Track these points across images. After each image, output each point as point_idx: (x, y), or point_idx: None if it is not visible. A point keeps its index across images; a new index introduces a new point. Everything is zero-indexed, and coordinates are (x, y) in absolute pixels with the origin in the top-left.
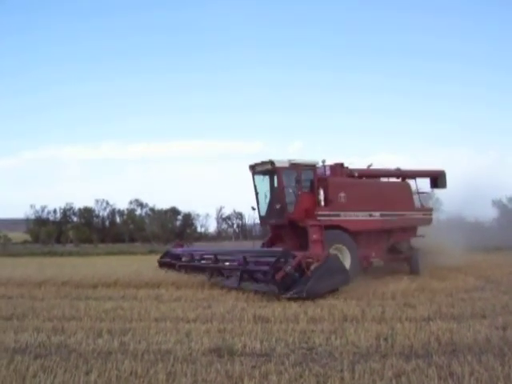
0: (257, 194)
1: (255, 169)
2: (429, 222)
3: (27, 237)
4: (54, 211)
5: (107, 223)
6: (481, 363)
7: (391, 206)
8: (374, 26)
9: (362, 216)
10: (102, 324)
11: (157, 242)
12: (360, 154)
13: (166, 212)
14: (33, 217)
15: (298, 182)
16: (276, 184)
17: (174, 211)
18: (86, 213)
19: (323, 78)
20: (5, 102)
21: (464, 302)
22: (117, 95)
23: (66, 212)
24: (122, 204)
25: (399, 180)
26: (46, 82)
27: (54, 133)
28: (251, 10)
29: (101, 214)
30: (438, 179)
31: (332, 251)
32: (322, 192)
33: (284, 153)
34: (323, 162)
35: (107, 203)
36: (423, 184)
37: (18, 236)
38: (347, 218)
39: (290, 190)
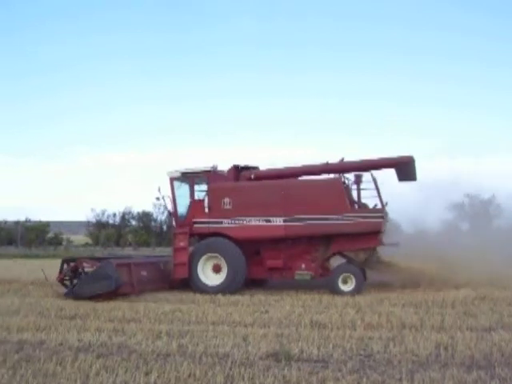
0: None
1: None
2: (374, 226)
3: (88, 239)
4: (114, 215)
5: (164, 227)
6: None
7: (304, 210)
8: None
9: (254, 222)
10: (160, 326)
11: None
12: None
13: None
14: (93, 220)
15: (190, 190)
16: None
17: None
18: (144, 217)
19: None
20: (69, 110)
21: None
22: (173, 101)
23: (125, 216)
24: None
25: (329, 176)
26: (104, 90)
27: (115, 138)
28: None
29: (158, 218)
30: (402, 169)
31: (204, 260)
32: (206, 199)
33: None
34: (213, 167)
35: (165, 207)
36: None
37: (80, 238)
38: (230, 226)
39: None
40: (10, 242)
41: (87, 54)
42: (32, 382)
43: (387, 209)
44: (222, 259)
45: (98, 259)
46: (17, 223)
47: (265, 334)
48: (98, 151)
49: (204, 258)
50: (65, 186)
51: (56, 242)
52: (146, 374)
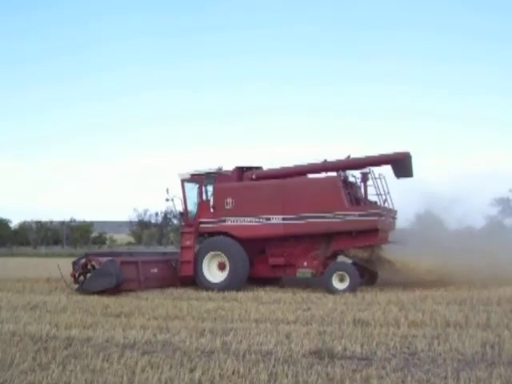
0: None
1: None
2: (371, 224)
3: (131, 238)
4: (156, 214)
5: None
6: None
7: (302, 208)
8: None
9: (254, 221)
10: (204, 324)
11: None
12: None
13: None
14: (136, 219)
15: (199, 191)
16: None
17: None
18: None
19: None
20: (114, 115)
21: None
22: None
23: (167, 215)
24: None
25: (327, 175)
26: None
27: (156, 139)
28: None
29: None
30: (399, 165)
31: (209, 258)
32: (211, 199)
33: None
34: (219, 168)
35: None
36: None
37: (123, 238)
38: (233, 224)
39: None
40: (56, 241)
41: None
42: (80, 377)
43: (390, 206)
44: (225, 257)
45: (110, 254)
46: (62, 223)
47: (307, 331)
48: (139, 152)
49: (209, 256)
50: (108, 187)
51: (100, 241)
52: (191, 370)
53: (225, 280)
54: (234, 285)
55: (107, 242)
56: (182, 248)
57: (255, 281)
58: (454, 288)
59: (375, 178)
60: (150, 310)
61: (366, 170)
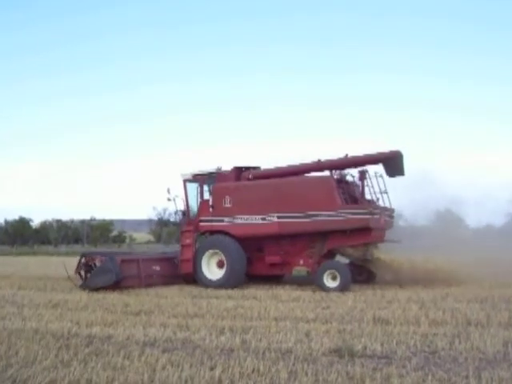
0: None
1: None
2: (361, 223)
3: (150, 237)
4: (175, 213)
5: None
6: None
7: (296, 207)
8: None
9: (251, 220)
10: (223, 322)
11: None
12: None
13: None
14: (155, 218)
15: (200, 190)
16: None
17: None
18: None
19: None
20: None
21: None
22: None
23: (185, 214)
24: None
25: (320, 174)
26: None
27: (176, 138)
28: None
29: None
30: (390, 164)
31: (208, 256)
32: (211, 198)
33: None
34: (218, 169)
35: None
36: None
37: (142, 236)
38: (230, 223)
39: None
40: (77, 240)
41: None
42: (102, 374)
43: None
44: (223, 255)
45: (106, 254)
46: (82, 222)
47: (327, 329)
48: (159, 151)
49: (207, 254)
50: (128, 185)
51: (119, 239)
52: (211, 368)
53: (222, 277)
54: (232, 282)
55: (127, 240)
56: (182, 246)
57: (256, 278)
58: (475, 287)
59: (369, 178)
60: (170, 308)
61: (363, 168)
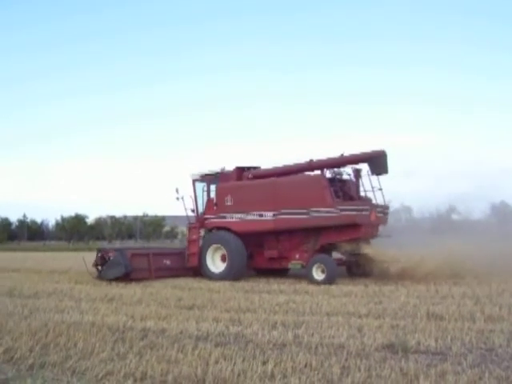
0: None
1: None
2: (350, 219)
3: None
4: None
5: None
6: None
7: (288, 204)
8: None
9: (250, 217)
10: (275, 316)
11: None
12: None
13: None
14: None
15: (206, 190)
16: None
17: None
18: None
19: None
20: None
21: None
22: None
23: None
24: None
25: (312, 173)
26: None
27: (222, 133)
28: None
29: None
30: (374, 163)
31: (212, 250)
32: (215, 197)
33: None
34: (222, 169)
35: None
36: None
37: None
38: (232, 220)
39: (201, 198)
40: (130, 236)
41: None
42: (157, 367)
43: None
44: (225, 250)
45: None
46: (135, 218)
47: (380, 325)
48: (205, 147)
49: (211, 248)
50: (180, 181)
51: (172, 235)
52: (263, 363)
53: (224, 270)
54: (232, 275)
55: (179, 236)
56: (189, 241)
57: (263, 272)
58: None
59: (360, 176)
60: (222, 303)
61: (358, 166)
